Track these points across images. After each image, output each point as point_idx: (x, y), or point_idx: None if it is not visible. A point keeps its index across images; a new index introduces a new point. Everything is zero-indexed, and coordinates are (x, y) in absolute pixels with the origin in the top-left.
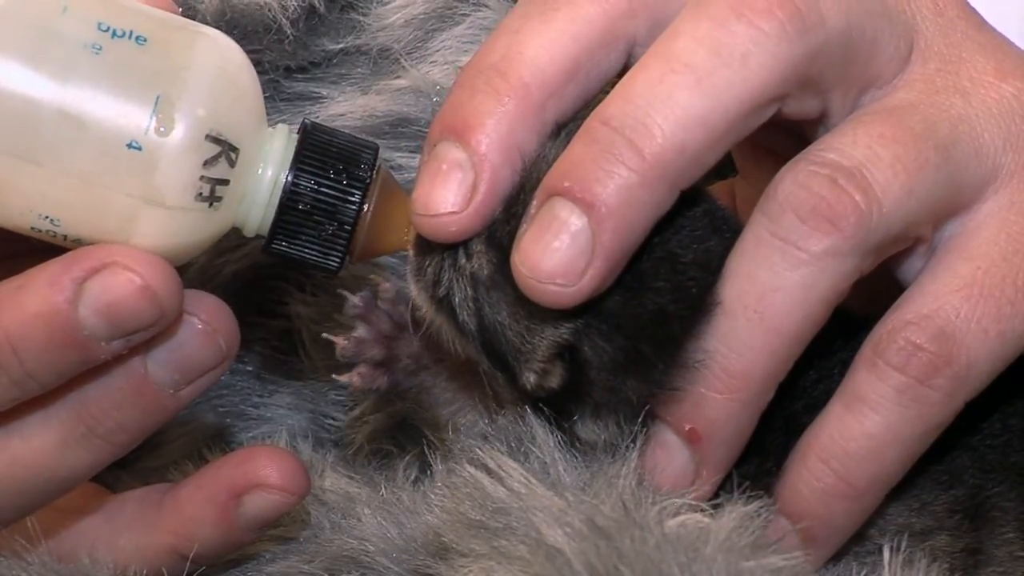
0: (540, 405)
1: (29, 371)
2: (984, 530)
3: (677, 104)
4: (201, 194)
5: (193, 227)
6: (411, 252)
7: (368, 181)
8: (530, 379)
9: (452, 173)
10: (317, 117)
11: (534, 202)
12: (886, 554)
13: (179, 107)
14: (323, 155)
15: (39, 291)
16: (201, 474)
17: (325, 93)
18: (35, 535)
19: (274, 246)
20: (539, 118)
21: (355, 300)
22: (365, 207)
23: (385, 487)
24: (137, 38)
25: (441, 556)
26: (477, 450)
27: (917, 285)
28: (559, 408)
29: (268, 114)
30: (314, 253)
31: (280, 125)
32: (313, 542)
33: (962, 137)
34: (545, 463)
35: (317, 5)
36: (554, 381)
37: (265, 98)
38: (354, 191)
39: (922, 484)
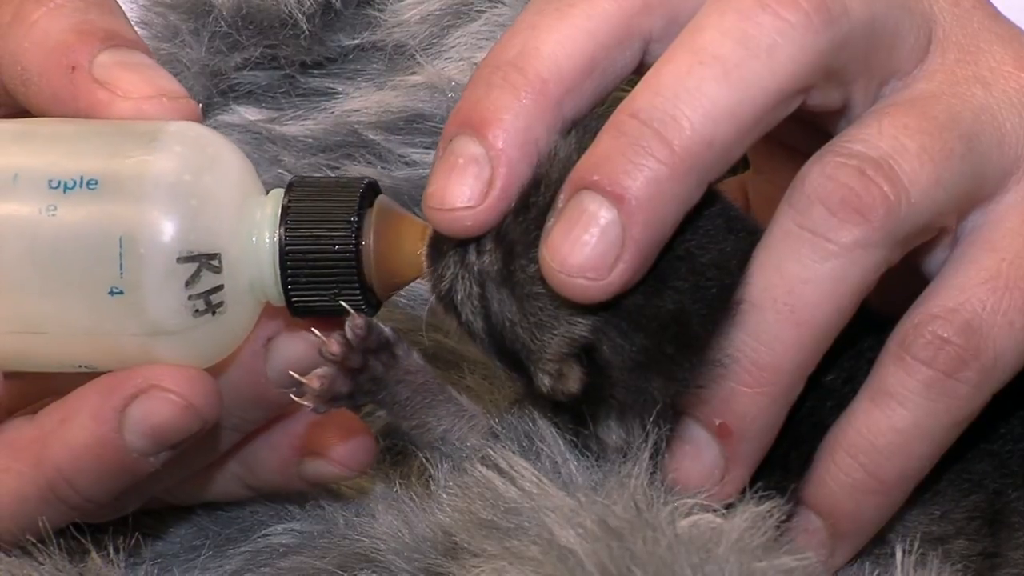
0: (562, 417)
1: (85, 497)
2: (1002, 534)
3: (705, 96)
4: (198, 310)
5: (208, 336)
6: (424, 259)
7: (356, 219)
8: (544, 381)
9: (468, 167)
10: (332, 113)
11: (561, 196)
12: (898, 554)
13: (142, 242)
14: (309, 206)
15: (84, 425)
16: (275, 420)
17: (340, 89)
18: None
19: (297, 307)
20: (556, 114)
21: (333, 348)
22: (363, 243)
23: (399, 484)
24: (89, 183)
25: (453, 556)
26: (488, 450)
27: (942, 278)
28: (582, 415)
29: (284, 110)
30: (336, 305)
31: (275, 190)
32: (326, 538)
33: (985, 127)
34: (556, 463)
35: (333, 1)
36: (573, 385)
37: (280, 94)
38: (344, 234)
39: (943, 491)
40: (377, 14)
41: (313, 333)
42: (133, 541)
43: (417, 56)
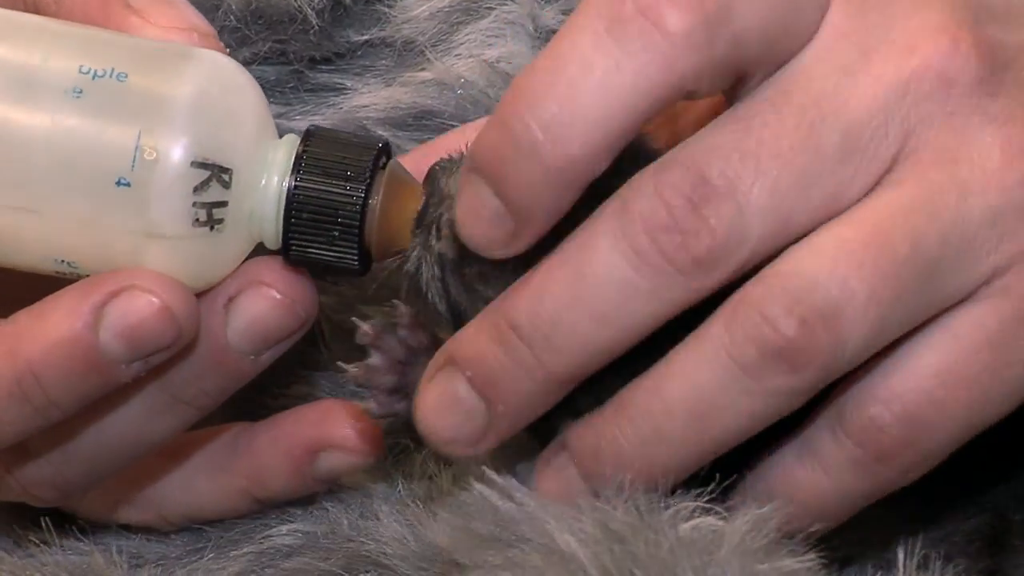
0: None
1: (52, 399)
2: (1003, 555)
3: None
4: (198, 219)
5: (201, 252)
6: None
7: (369, 176)
8: None
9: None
10: (341, 109)
11: (435, 359)
12: (900, 557)
13: (160, 139)
14: (323, 156)
15: (60, 319)
16: (277, 425)
17: (349, 84)
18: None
19: (292, 254)
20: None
21: (366, 328)
22: (371, 202)
23: (402, 483)
24: (118, 75)
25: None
26: (483, 467)
27: (894, 359)
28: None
29: (292, 105)
30: (331, 255)
31: (289, 135)
32: (330, 539)
33: (948, 251)
34: None
35: None
36: None
37: (289, 88)
38: (355, 187)
39: (945, 513)
40: (386, 10)
41: (355, 322)
42: (135, 543)
43: (426, 52)
